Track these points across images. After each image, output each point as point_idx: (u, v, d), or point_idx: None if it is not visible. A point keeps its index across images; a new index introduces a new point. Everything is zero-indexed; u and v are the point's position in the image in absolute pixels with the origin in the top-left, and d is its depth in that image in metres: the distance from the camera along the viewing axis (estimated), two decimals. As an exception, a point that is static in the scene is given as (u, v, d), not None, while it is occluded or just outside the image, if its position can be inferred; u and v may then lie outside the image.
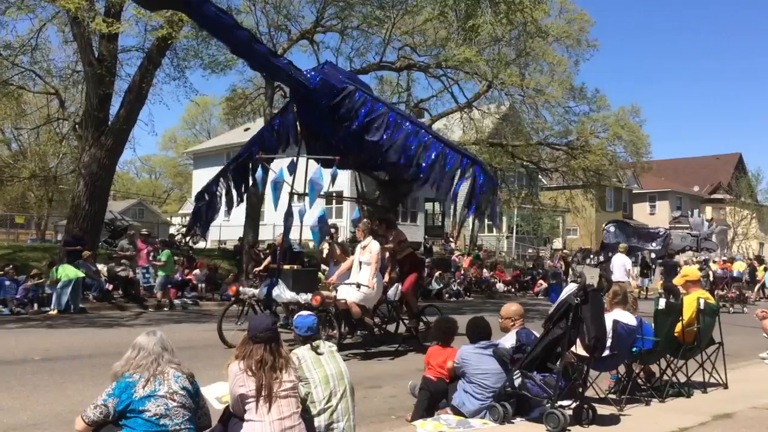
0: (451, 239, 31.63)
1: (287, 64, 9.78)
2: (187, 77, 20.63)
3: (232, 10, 18.59)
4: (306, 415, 4.34)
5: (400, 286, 10.30)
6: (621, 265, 16.26)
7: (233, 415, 4.16)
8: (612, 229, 22.74)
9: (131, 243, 17.86)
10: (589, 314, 5.53)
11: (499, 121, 27.14)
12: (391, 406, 6.77)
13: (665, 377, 7.01)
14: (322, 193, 10.05)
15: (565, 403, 5.65)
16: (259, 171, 10.47)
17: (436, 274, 23.78)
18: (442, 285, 23.36)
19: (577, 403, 5.69)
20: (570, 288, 5.69)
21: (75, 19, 16.26)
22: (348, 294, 9.23)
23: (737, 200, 52.69)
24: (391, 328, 10.80)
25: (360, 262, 9.57)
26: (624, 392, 6.49)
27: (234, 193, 12.15)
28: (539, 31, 20.97)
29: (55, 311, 14.51)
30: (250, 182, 11.99)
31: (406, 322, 10.78)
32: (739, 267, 27.05)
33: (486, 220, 11.51)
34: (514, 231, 39.13)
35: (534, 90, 23.60)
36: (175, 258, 19.41)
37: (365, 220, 10.43)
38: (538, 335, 5.81)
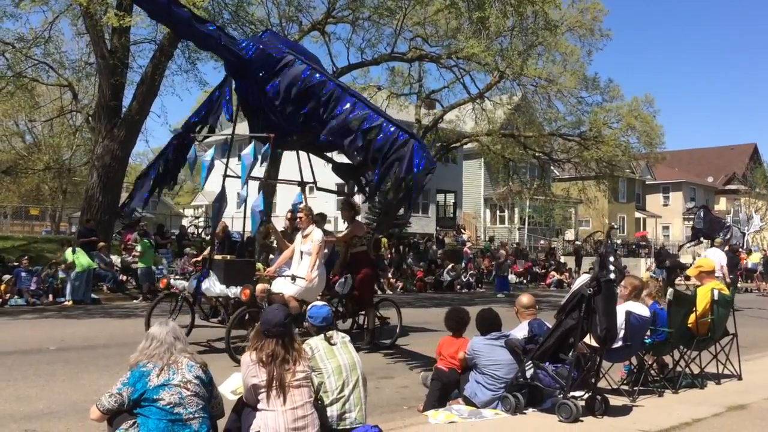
0: (463, 231, 31.59)
1: (215, 30, 8.75)
2: (199, 69, 20.69)
3: (244, 2, 18.62)
4: (319, 404, 4.36)
5: (349, 279, 9.51)
6: (717, 259, 15.93)
7: (247, 405, 4.20)
8: (702, 214, 22.87)
9: (144, 235, 17.99)
10: (602, 305, 5.51)
11: (511, 111, 27.01)
12: (403, 396, 6.79)
13: (678, 368, 6.98)
14: (254, 175, 9.24)
15: (577, 393, 5.64)
16: (192, 150, 9.73)
17: (449, 266, 23.82)
18: (453, 276, 23.38)
19: (590, 393, 5.68)
20: (583, 278, 5.67)
21: (87, 12, 16.33)
22: (284, 287, 8.39)
23: (752, 191, 52.17)
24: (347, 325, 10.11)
25: (301, 252, 8.69)
26: (637, 383, 6.48)
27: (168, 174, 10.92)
28: (548, 24, 20.78)
29: (70, 302, 14.67)
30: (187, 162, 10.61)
31: (359, 319, 10.08)
32: (754, 258, 26.86)
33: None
34: (526, 222, 38.99)
35: (546, 80, 23.44)
36: (187, 249, 19.56)
37: (306, 204, 9.44)
38: (550, 326, 5.80)
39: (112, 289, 16.45)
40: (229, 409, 4.31)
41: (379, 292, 20.79)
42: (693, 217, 23.40)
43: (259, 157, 8.90)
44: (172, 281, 9.76)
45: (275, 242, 10.58)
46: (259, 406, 4.06)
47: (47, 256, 17.41)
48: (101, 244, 16.85)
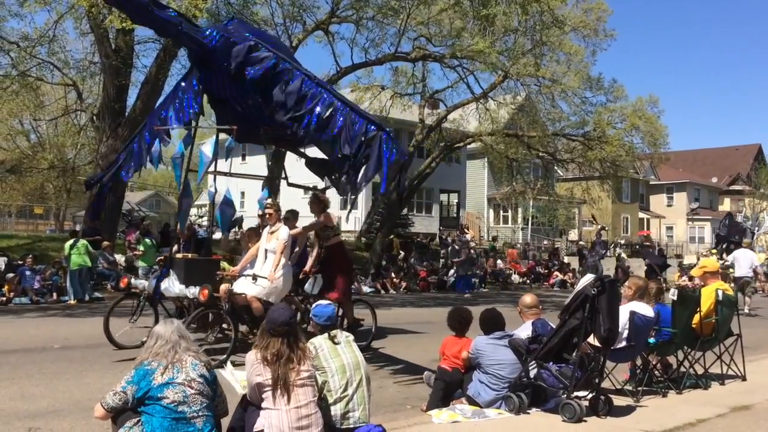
0: (466, 231, 31.55)
1: (176, 17, 8.18)
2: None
3: (249, 2, 18.65)
4: (322, 404, 4.36)
5: (319, 279, 9.03)
6: (748, 260, 16.11)
7: (251, 403, 4.20)
8: (727, 222, 22.99)
9: (146, 234, 18.02)
10: (606, 305, 5.50)
11: (514, 111, 26.96)
12: (407, 395, 6.79)
13: (682, 369, 6.97)
14: (214, 169, 8.81)
15: (581, 393, 5.63)
16: (156, 144, 9.30)
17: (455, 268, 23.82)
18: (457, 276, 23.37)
19: (593, 393, 5.68)
20: (587, 278, 5.66)
21: (90, 13, 16.37)
22: (246, 287, 7.99)
23: (756, 191, 52.02)
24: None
25: (266, 251, 8.25)
26: (641, 383, 6.47)
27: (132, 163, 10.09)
28: (556, 21, 20.73)
29: (74, 301, 14.71)
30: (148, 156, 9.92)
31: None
32: (759, 259, 26.77)
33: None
34: (530, 222, 38.97)
35: (550, 80, 23.39)
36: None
37: (273, 199, 8.87)
38: (553, 326, 5.80)
39: (116, 288, 16.48)
40: (233, 408, 4.31)
41: (382, 292, 20.83)
42: (719, 224, 23.51)
43: (219, 151, 8.46)
44: (133, 281, 9.37)
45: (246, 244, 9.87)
46: (263, 404, 4.07)
47: (51, 254, 17.45)
48: (105, 243, 16.89)
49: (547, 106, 25.65)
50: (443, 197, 38.59)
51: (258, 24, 19.91)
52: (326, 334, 4.75)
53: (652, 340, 6.58)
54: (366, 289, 20.65)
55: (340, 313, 9.18)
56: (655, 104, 25.71)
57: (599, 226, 28.12)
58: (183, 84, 9.49)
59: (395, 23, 21.67)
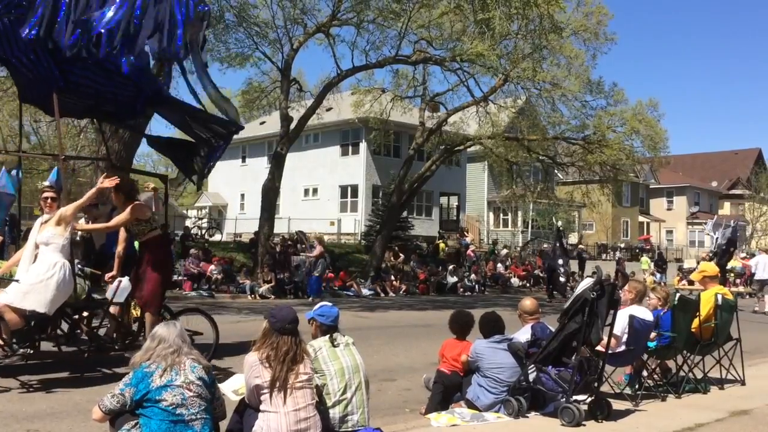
0: (465, 234, 31.56)
1: None
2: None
3: (249, 4, 18.67)
4: (321, 407, 4.36)
5: (125, 282, 7.38)
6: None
7: (249, 406, 4.20)
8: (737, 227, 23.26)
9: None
10: (605, 309, 5.51)
11: (515, 115, 26.99)
12: (406, 399, 6.79)
13: (682, 373, 6.97)
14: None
15: (580, 397, 5.63)
16: None
17: (450, 267, 23.85)
18: (457, 279, 23.40)
19: (593, 397, 5.67)
20: (586, 282, 5.66)
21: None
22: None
23: (756, 196, 52.05)
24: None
25: (36, 245, 6.56)
26: (640, 387, 6.47)
27: None
28: (554, 27, 20.75)
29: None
30: None
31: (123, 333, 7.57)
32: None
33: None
34: (530, 226, 38.97)
35: (550, 83, 23.41)
36: (192, 251, 19.54)
37: (60, 181, 6.69)
38: (552, 329, 5.80)
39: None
40: (232, 410, 4.31)
41: (382, 295, 20.80)
42: (733, 227, 23.67)
43: None
44: None
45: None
46: (262, 407, 4.06)
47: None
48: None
49: (547, 110, 25.65)
50: (443, 200, 38.59)
51: (258, 26, 20.00)
52: (327, 336, 4.73)
53: (651, 344, 6.58)
54: (366, 291, 20.67)
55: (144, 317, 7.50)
56: (655, 108, 25.69)
57: (557, 227, 28.24)
58: None
59: (396, 26, 21.69)
